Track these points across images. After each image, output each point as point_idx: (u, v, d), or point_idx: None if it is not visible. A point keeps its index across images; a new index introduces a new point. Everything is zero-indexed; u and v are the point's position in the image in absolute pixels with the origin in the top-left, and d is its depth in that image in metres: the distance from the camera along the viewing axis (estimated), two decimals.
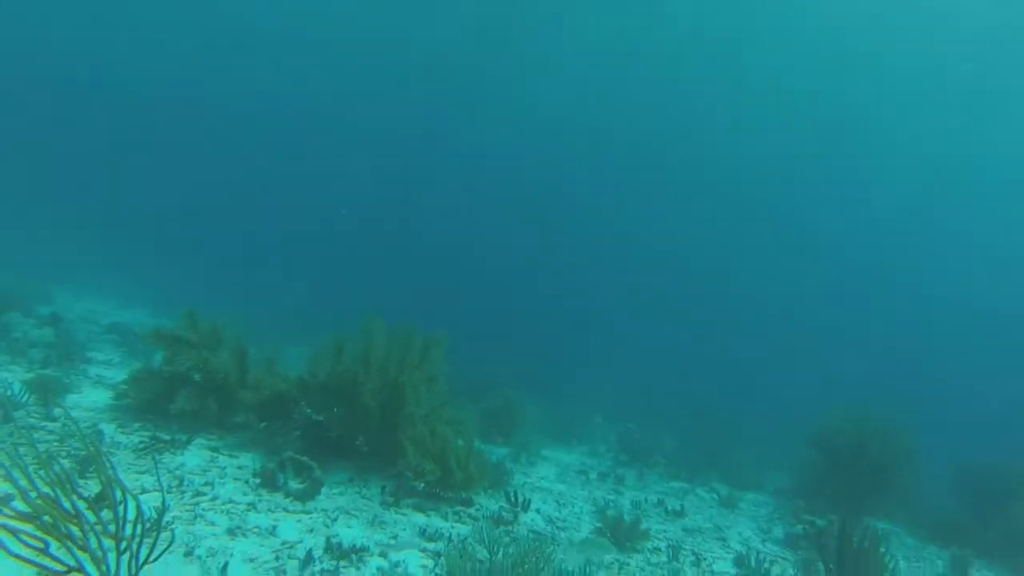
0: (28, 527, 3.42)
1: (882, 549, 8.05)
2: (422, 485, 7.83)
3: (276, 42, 45.84)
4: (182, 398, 7.96)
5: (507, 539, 6.43)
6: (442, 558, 5.76)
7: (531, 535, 7.21)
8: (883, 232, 50.28)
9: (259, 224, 48.74)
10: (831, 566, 8.18)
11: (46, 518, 3.43)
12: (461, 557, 5.15)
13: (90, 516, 3.98)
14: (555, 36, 38.57)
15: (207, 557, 5.13)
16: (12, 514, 3.35)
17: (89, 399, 8.62)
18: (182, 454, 7.29)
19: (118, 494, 3.95)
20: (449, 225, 53.75)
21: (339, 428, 8.12)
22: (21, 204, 32.00)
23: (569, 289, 47.74)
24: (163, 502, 5.04)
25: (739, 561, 8.25)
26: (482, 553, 5.78)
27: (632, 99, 43.35)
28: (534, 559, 5.21)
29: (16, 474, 3.45)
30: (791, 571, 8.29)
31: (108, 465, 4.06)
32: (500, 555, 5.28)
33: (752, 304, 49.70)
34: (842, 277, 52.86)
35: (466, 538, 6.55)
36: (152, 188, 49.43)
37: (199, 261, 28.56)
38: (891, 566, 7.94)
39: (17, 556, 3.37)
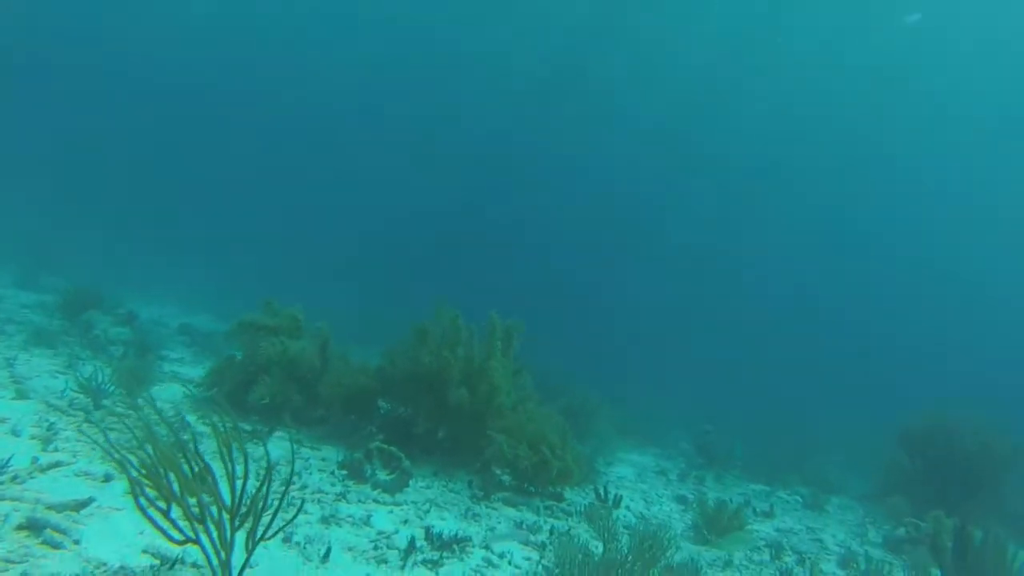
0: (151, 491, 3.24)
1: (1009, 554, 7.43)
2: (509, 479, 7.51)
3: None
4: (262, 386, 7.79)
5: (620, 527, 6.06)
6: (548, 549, 5.42)
7: (627, 529, 6.83)
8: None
9: (319, 231, 47.52)
10: (949, 571, 7.57)
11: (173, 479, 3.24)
12: (570, 547, 4.79)
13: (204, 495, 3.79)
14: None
15: (306, 544, 4.93)
16: (144, 470, 3.16)
17: (168, 392, 8.55)
18: (264, 445, 7.12)
19: (239, 469, 3.76)
20: (509, 219, 52.30)
21: (424, 422, 7.81)
22: (89, 209, 32.22)
23: (638, 288, 45.91)
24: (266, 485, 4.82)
25: (844, 563, 7.73)
26: (591, 542, 5.41)
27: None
28: (650, 548, 4.82)
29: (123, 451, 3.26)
30: (900, 575, 7.70)
31: (232, 437, 3.86)
32: (615, 545, 4.92)
33: (835, 300, 47.18)
34: (942, 272, 48.62)
35: (570, 528, 6.20)
36: (213, 194, 49.24)
37: (259, 270, 28.41)
38: (1021, 574, 7.29)
39: (149, 518, 3.18)
